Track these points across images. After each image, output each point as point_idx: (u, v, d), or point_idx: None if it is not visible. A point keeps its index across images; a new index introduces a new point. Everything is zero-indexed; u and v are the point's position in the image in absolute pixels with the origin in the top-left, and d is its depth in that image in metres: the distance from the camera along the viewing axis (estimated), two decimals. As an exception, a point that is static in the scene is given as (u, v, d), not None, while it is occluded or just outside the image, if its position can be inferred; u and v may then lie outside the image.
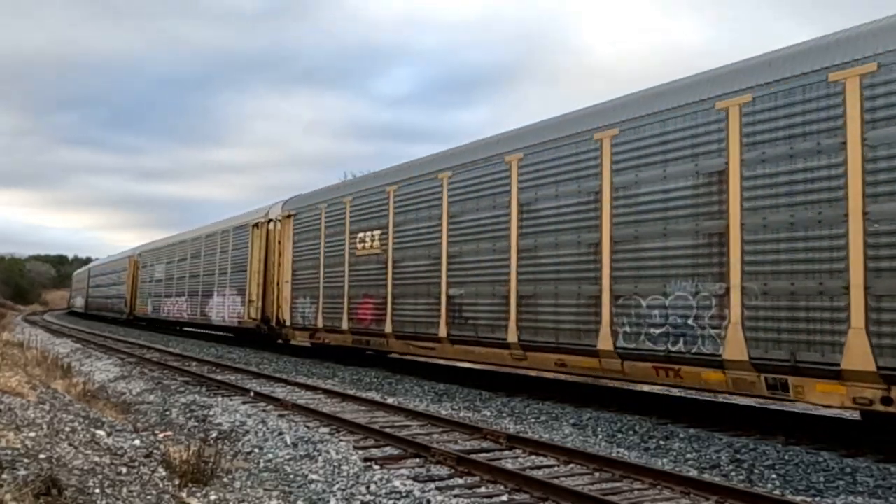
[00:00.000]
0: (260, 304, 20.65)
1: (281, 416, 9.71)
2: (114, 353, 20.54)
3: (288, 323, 18.66)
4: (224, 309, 24.00)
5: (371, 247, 15.00)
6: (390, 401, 11.05)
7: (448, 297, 12.50)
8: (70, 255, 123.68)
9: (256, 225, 21.53)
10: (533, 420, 9.68)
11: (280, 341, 21.22)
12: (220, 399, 11.20)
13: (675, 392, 12.39)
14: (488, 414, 10.19)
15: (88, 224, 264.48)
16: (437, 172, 13.13)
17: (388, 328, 14.22)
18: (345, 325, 15.86)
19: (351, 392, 11.88)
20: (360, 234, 15.47)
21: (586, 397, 11.33)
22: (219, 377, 13.99)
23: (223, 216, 31.92)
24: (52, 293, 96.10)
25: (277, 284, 19.37)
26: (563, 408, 10.41)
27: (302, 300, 18.00)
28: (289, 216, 18.98)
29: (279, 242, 19.51)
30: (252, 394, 11.65)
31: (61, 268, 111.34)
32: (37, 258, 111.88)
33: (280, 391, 12.18)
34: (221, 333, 28.08)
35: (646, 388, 12.40)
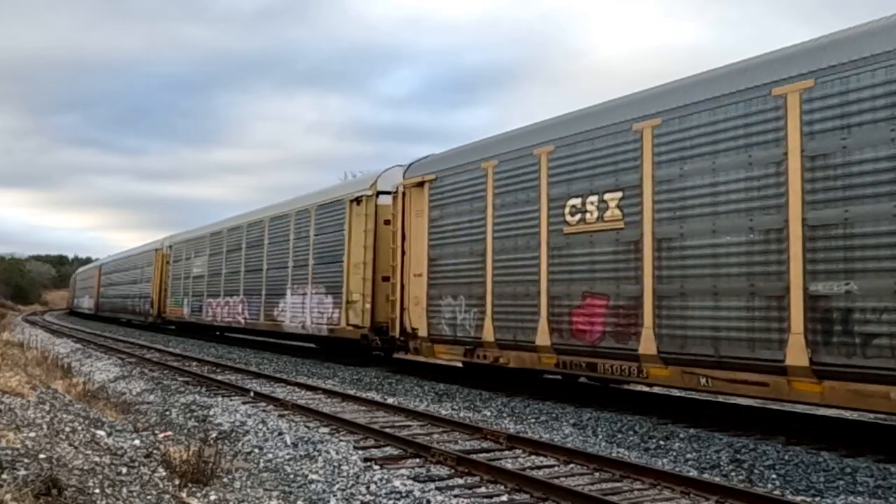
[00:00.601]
0: (368, 306, 15.29)
1: (281, 416, 9.71)
2: (114, 353, 20.55)
3: (422, 333, 13.24)
4: (304, 313, 18.13)
5: (602, 219, 9.81)
6: (390, 401, 11.06)
7: (809, 296, 7.47)
8: (70, 255, 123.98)
9: (357, 200, 16.19)
10: (533, 420, 9.68)
11: (384, 355, 16.70)
12: (220, 399, 11.20)
13: (675, 392, 12.39)
14: (488, 414, 10.19)
15: (89, 224, 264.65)
16: (769, 87, 8.00)
17: (645, 346, 9.13)
18: (543, 340, 10.60)
19: (351, 392, 11.89)
20: (574, 202, 10.23)
21: (586, 397, 11.32)
22: (219, 377, 13.99)
23: (224, 216, 29.23)
24: (53, 293, 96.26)
25: (400, 280, 13.96)
26: (563, 408, 10.41)
27: (450, 301, 12.57)
28: (421, 183, 13.49)
29: (403, 222, 14.01)
30: (252, 394, 11.65)
31: (61, 268, 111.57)
32: (37, 258, 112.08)
33: (280, 391, 12.18)
34: (298, 344, 21.94)
35: (645, 388, 12.40)
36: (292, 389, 12.54)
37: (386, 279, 14.80)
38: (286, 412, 10.02)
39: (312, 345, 20.62)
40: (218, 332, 27.97)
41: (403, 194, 14.11)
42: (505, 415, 10.11)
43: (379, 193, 15.67)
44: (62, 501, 4.41)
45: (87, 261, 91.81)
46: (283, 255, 19.82)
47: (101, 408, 9.43)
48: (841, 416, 9.91)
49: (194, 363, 17.37)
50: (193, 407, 10.33)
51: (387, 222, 15.12)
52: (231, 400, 11.15)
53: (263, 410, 10.16)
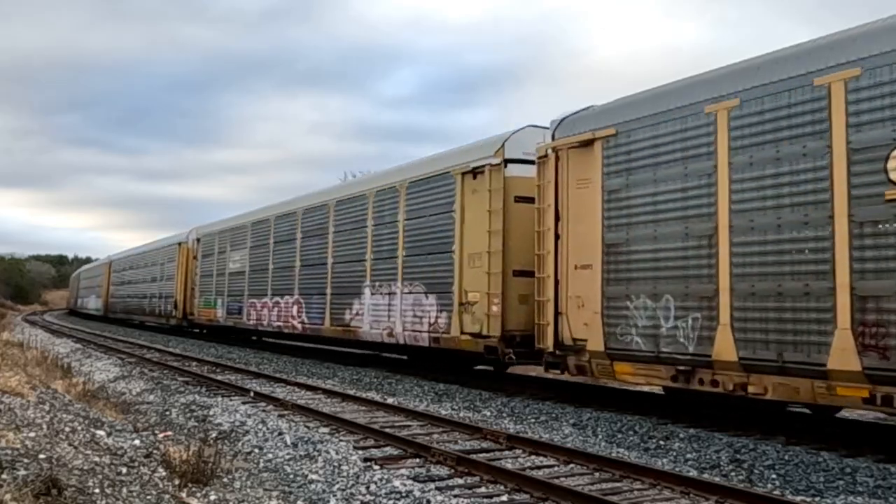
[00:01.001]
0: (496, 308, 11.79)
1: (281, 416, 9.71)
2: (114, 353, 20.56)
3: (593, 346, 9.78)
4: (392, 317, 14.42)
5: None
6: (390, 401, 11.06)
7: None
8: (70, 255, 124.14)
9: (474, 172, 12.55)
10: (533, 420, 9.68)
11: (495, 369, 14.24)
12: (220, 399, 11.20)
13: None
14: (488, 414, 10.19)
15: (89, 224, 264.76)
16: None
17: None
18: (843, 362, 7.17)
19: (351, 392, 11.89)
20: None
21: (586, 397, 11.33)
22: (219, 377, 14.00)
23: (224, 215, 27.52)
24: (52, 293, 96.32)
25: (554, 274, 10.46)
26: (563, 408, 10.41)
27: (645, 302, 9.17)
28: (588, 143, 10.01)
29: (556, 196, 10.52)
30: (252, 394, 11.65)
31: (61, 268, 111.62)
32: (37, 258, 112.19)
33: (280, 391, 12.18)
34: (379, 354, 18.18)
35: (645, 388, 12.40)
36: (292, 389, 12.54)
37: (521, 274, 11.67)
38: (286, 412, 10.02)
39: (401, 356, 16.85)
40: (254, 338, 24.66)
41: (557, 159, 10.54)
42: (505, 415, 10.11)
43: (507, 162, 12.07)
44: (62, 501, 4.41)
45: (87, 260, 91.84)
46: (359, 246, 16.04)
47: (100, 408, 9.43)
48: (841, 416, 9.90)
49: (194, 363, 17.37)
50: (193, 407, 10.33)
51: (520, 199, 11.88)
52: (231, 400, 11.15)
53: (263, 410, 10.17)
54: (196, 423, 9.13)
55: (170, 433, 8.29)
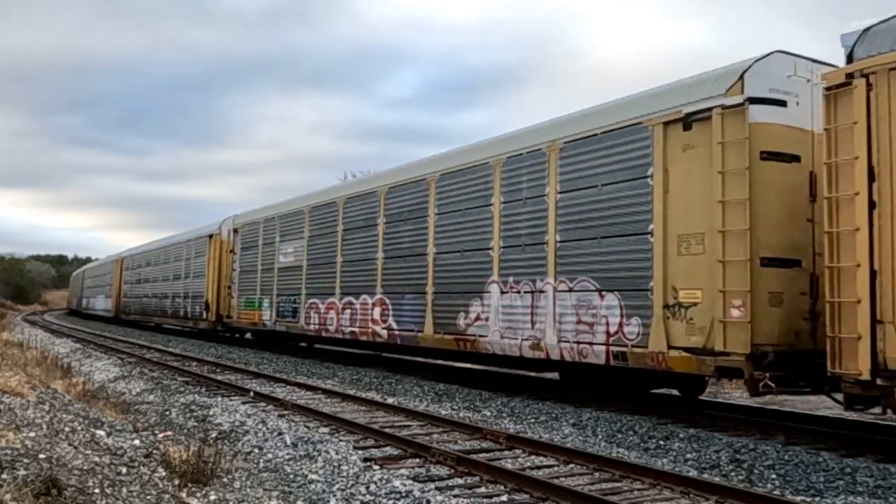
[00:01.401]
0: (738, 312, 8.25)
1: (281, 416, 9.71)
2: (114, 353, 20.55)
3: None
4: (537, 322, 10.99)
5: None
6: (390, 401, 11.06)
7: None
8: (70, 255, 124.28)
9: (685, 121, 9.12)
10: (533, 420, 9.68)
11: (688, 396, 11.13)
12: (219, 399, 11.20)
13: (675, 392, 12.37)
14: (488, 414, 10.19)
15: (89, 224, 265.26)
16: None
17: None
18: None
19: (351, 392, 11.89)
20: None
21: (586, 397, 11.32)
22: (219, 377, 13.99)
23: (224, 215, 25.90)
24: (52, 293, 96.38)
25: (869, 263, 7.07)
26: (563, 408, 10.41)
27: None
28: None
29: (869, 144, 7.13)
30: (252, 394, 11.65)
31: (61, 268, 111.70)
32: (37, 258, 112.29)
33: (280, 391, 12.18)
34: (519, 373, 14.51)
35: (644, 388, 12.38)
36: (292, 389, 12.54)
37: (772, 263, 8.40)
38: (286, 412, 10.02)
39: (544, 374, 13.48)
40: (304, 344, 21.32)
41: (868, 88, 7.13)
42: (505, 415, 10.11)
43: (750, 101, 8.51)
44: (62, 501, 4.41)
45: (87, 260, 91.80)
46: (478, 230, 12.48)
47: (100, 408, 9.43)
48: (841, 416, 9.90)
49: (194, 363, 17.37)
50: (193, 407, 10.33)
51: (769, 155, 8.49)
52: (231, 400, 11.15)
53: (263, 410, 10.17)
54: (196, 423, 9.12)
55: (170, 433, 8.29)
